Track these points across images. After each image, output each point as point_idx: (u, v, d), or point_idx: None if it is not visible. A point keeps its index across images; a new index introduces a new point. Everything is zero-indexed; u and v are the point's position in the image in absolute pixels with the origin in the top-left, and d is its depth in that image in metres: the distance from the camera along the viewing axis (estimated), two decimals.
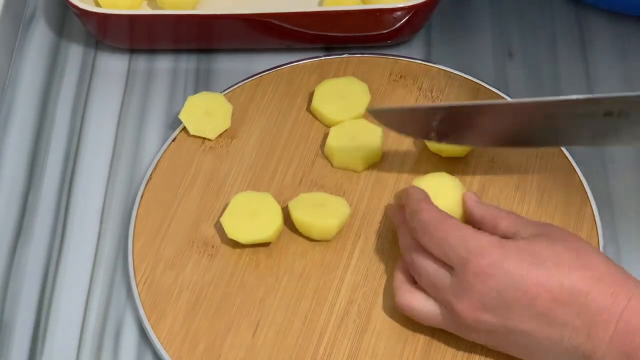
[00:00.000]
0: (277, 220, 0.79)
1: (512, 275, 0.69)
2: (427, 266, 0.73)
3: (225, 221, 0.79)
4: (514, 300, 0.69)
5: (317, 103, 0.87)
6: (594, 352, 0.67)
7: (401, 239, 0.77)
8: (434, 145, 0.84)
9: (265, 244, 0.80)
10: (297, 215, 0.80)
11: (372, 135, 0.85)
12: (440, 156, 0.85)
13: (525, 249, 0.70)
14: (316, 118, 0.88)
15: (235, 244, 0.80)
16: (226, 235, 0.79)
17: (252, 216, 0.80)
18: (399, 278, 0.76)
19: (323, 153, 0.86)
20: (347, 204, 0.81)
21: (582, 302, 0.67)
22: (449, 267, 0.72)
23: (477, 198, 0.77)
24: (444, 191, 0.78)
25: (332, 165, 0.85)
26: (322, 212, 0.80)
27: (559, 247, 0.70)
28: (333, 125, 0.86)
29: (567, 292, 0.67)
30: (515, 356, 0.73)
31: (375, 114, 0.80)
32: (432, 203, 0.75)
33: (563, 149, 0.85)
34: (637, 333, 0.66)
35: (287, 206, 0.81)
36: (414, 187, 0.78)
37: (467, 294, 0.70)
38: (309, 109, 0.88)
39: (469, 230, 0.71)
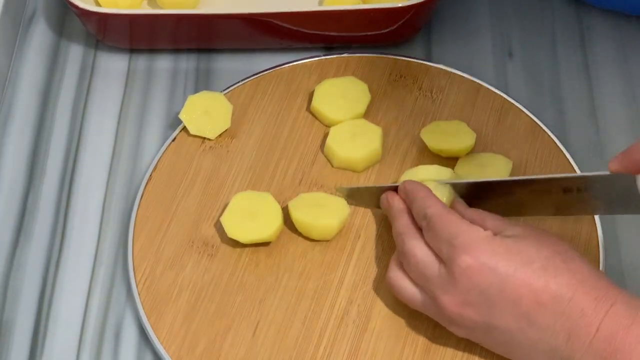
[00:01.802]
0: (277, 219, 0.79)
1: (499, 273, 0.69)
2: (417, 254, 0.73)
3: (225, 221, 0.79)
4: (497, 299, 0.69)
5: (317, 103, 0.87)
6: (572, 355, 0.68)
7: (395, 225, 0.77)
8: (434, 145, 0.84)
9: (265, 244, 0.80)
10: (297, 215, 0.80)
11: (372, 135, 0.85)
12: (441, 156, 0.85)
13: (513, 248, 0.70)
14: (316, 118, 0.88)
15: (235, 244, 0.80)
16: (226, 235, 0.79)
17: (252, 216, 0.80)
18: (395, 257, 0.76)
19: (323, 153, 0.86)
20: (347, 204, 0.81)
21: (565, 306, 0.68)
22: (440, 259, 0.72)
23: (466, 205, 0.78)
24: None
25: (332, 166, 0.85)
26: (322, 212, 0.80)
27: (546, 250, 0.70)
28: (333, 125, 0.86)
29: (551, 296, 0.68)
30: (494, 351, 0.73)
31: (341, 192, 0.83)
32: (436, 197, 0.76)
33: (563, 148, 0.85)
34: (616, 338, 0.66)
35: (287, 206, 0.81)
36: (415, 182, 0.78)
37: (452, 288, 0.70)
38: (309, 109, 0.88)
39: (463, 225, 0.72)
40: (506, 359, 0.73)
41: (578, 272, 0.69)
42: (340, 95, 0.87)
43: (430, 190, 0.77)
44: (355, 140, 0.84)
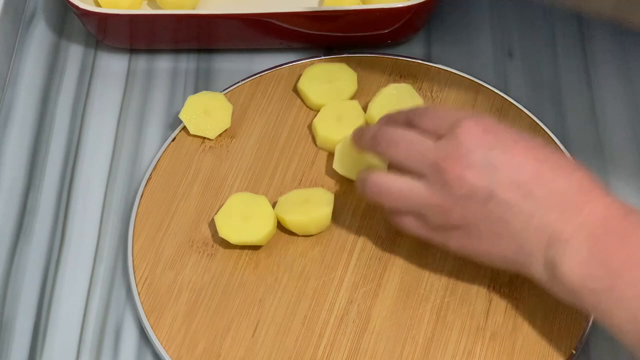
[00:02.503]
0: (268, 224, 0.79)
1: (503, 138, 0.70)
2: (409, 135, 0.73)
3: (219, 219, 0.79)
4: (500, 162, 0.69)
5: (303, 84, 0.87)
6: (562, 230, 0.68)
7: (374, 127, 0.77)
8: None
9: (257, 247, 0.80)
10: (289, 217, 0.80)
11: (356, 117, 0.85)
12: None
13: (514, 130, 0.71)
14: (300, 99, 0.88)
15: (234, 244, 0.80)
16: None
17: (244, 218, 0.79)
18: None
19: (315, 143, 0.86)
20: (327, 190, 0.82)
21: (564, 180, 0.69)
22: (437, 137, 0.72)
23: None
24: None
25: (315, 145, 0.85)
26: (310, 207, 0.80)
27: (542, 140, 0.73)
28: (315, 108, 0.86)
29: (551, 167, 0.69)
30: (478, 252, 0.73)
31: None
32: None
33: (563, 148, 0.85)
34: (611, 221, 0.67)
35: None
36: None
37: (455, 150, 0.70)
38: (308, 109, 0.88)
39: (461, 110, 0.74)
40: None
41: (575, 161, 0.71)
42: (327, 80, 0.87)
43: None
44: (341, 120, 0.85)
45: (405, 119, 0.75)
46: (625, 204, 0.69)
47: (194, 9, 0.93)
